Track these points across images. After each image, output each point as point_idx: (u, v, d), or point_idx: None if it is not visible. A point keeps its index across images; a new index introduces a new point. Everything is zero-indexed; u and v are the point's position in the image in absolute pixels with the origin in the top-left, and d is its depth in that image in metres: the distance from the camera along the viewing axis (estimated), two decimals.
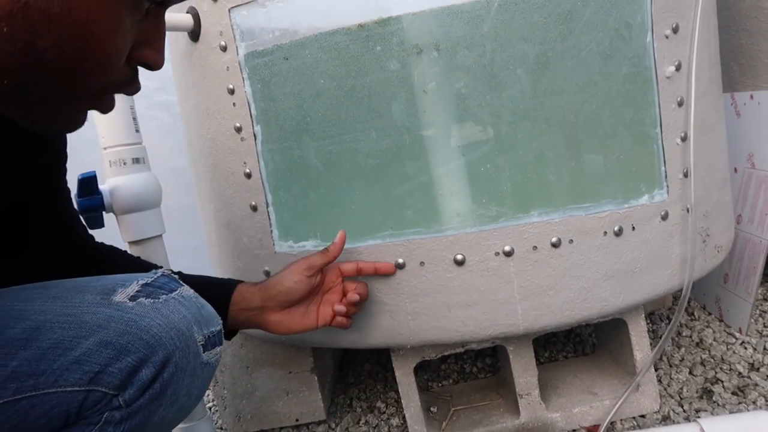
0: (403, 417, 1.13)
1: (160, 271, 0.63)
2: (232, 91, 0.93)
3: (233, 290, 0.83)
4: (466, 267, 0.85)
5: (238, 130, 0.94)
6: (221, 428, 1.26)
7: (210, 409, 1.38)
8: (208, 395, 1.45)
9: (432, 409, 1.10)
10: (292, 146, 0.90)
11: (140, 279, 0.59)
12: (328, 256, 0.84)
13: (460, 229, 0.84)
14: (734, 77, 1.38)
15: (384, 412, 1.18)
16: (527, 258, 0.84)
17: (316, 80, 0.86)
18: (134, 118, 0.94)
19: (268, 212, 0.95)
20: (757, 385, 1.05)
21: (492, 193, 0.84)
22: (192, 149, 1.12)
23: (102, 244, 0.86)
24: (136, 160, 0.92)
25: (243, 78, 0.91)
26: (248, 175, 0.95)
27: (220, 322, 0.65)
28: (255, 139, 0.93)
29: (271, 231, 0.95)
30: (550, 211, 0.84)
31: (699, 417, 0.90)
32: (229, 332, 0.86)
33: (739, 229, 1.25)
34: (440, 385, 1.24)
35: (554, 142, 0.84)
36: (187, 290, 0.62)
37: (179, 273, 0.86)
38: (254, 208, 0.96)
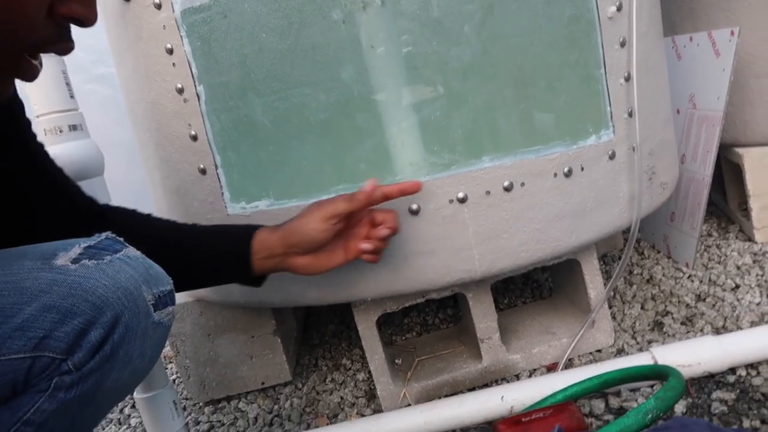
0: (369, 372, 1.14)
1: (104, 234, 0.61)
2: (170, 51, 0.89)
3: (252, 239, 0.80)
4: (422, 216, 0.85)
5: (180, 91, 0.91)
6: (186, 398, 1.25)
7: (174, 381, 1.36)
8: (171, 367, 1.43)
9: (397, 361, 1.12)
10: (237, 105, 0.88)
11: (82, 242, 0.57)
12: (354, 203, 0.77)
13: (413, 179, 0.84)
14: (674, 21, 1.40)
15: (350, 369, 1.20)
16: (481, 203, 0.85)
17: (257, 35, 0.83)
18: (68, 84, 0.89)
19: (217, 174, 0.92)
20: (703, 314, 1.10)
21: (443, 140, 0.84)
22: (133, 116, 1.08)
23: (117, 209, 0.83)
24: (73, 127, 0.88)
25: (181, 36, 0.88)
26: (194, 138, 0.92)
27: (170, 281, 0.63)
28: (198, 100, 0.90)
29: (222, 193, 0.93)
30: (502, 155, 0.85)
31: (651, 347, 0.94)
32: (258, 278, 0.84)
33: (683, 169, 1.29)
34: (404, 338, 1.25)
35: (502, 87, 0.84)
36: (132, 251, 0.60)
37: (194, 225, 0.85)
38: (203, 171, 0.93)
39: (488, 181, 0.85)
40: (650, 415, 0.66)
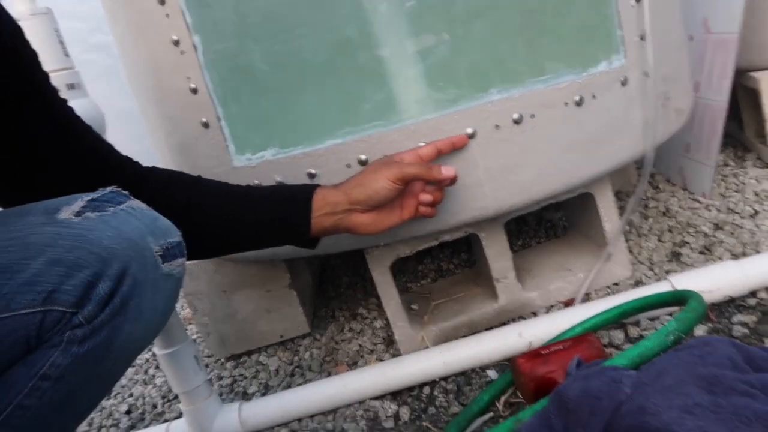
0: (386, 319, 1.15)
1: (108, 189, 0.60)
2: (162, 2, 0.86)
3: (312, 196, 0.77)
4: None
5: (176, 43, 0.88)
6: (208, 356, 1.26)
7: (195, 340, 1.38)
8: (192, 327, 1.45)
9: (413, 306, 1.12)
10: (235, 53, 0.85)
11: (85, 196, 0.56)
12: (426, 171, 0.77)
13: (419, 117, 0.82)
14: None
15: (366, 318, 1.20)
16: (490, 138, 0.83)
17: None
18: (61, 42, 0.87)
19: (220, 127, 0.91)
20: (722, 242, 1.08)
21: (448, 75, 0.81)
22: (132, 75, 1.06)
23: (162, 171, 0.80)
24: (71, 86, 0.86)
25: None
26: (194, 91, 0.90)
27: (179, 233, 0.62)
28: (196, 51, 0.87)
29: (227, 146, 0.92)
30: (509, 87, 0.82)
31: (669, 276, 0.93)
32: (314, 240, 0.82)
33: (698, 97, 1.26)
34: (419, 284, 1.25)
35: (508, 14, 0.81)
36: (137, 203, 0.59)
37: (248, 186, 0.83)
38: (206, 125, 0.92)
39: (497, 114, 0.82)
40: (672, 337, 0.65)
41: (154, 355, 1.35)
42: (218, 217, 0.77)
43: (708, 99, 1.22)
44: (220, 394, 1.12)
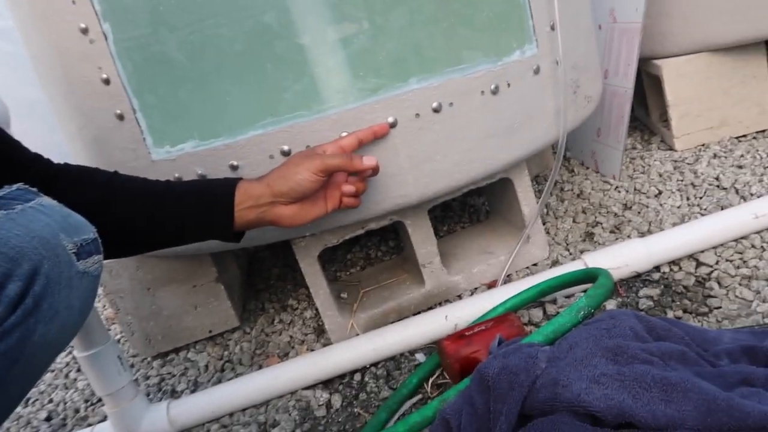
0: (316, 309, 1.15)
1: (15, 186, 0.57)
2: None
3: (234, 190, 0.77)
4: None
5: (85, 31, 0.84)
6: (134, 356, 1.23)
7: (119, 340, 1.34)
8: (115, 327, 1.40)
9: (342, 295, 1.13)
10: (149, 41, 0.83)
11: None
12: (347, 163, 0.78)
13: (341, 107, 0.83)
14: None
15: (297, 308, 1.20)
16: (411, 126, 0.85)
17: None
18: None
19: (136, 119, 0.88)
20: (630, 221, 1.16)
21: (369, 64, 0.82)
22: (38, 65, 1.00)
23: (75, 168, 0.76)
24: None
25: None
26: (107, 81, 0.86)
27: (93, 230, 0.60)
28: (106, 39, 0.84)
29: (144, 139, 0.89)
30: (428, 76, 0.84)
31: (582, 255, 0.98)
32: (237, 234, 0.81)
33: (606, 84, 1.33)
34: (348, 273, 1.26)
35: (423, 4, 0.82)
36: (47, 199, 0.56)
37: (167, 181, 0.80)
38: (120, 117, 0.88)
39: (417, 103, 0.84)
40: (582, 312, 0.69)
41: (74, 358, 1.30)
42: (135, 215, 0.75)
43: (615, 86, 1.29)
44: (148, 394, 1.09)
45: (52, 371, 1.28)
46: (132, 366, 1.20)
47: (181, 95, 0.85)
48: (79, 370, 1.26)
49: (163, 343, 1.17)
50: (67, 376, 1.26)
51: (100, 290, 0.69)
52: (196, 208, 0.76)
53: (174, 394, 1.07)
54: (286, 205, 0.78)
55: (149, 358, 1.20)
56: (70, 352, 1.32)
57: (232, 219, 0.77)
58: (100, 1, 0.82)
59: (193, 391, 1.06)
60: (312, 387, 0.96)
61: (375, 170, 0.82)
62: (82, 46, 0.85)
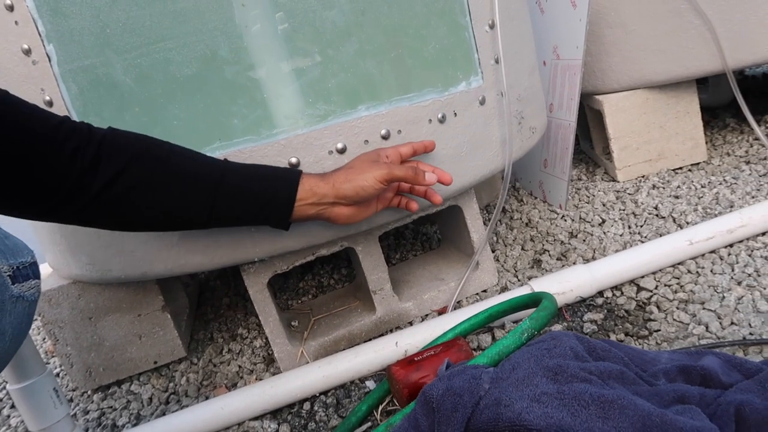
0: (266, 337, 1.14)
1: None
2: (10, 8, 0.81)
3: (297, 185, 0.77)
4: (302, 169, 0.84)
5: (27, 52, 0.83)
6: (73, 390, 1.17)
7: (58, 374, 1.28)
8: (54, 361, 1.34)
9: (293, 323, 1.12)
10: (95, 64, 0.82)
11: None
12: (413, 176, 0.81)
13: (290, 132, 0.83)
14: None
15: (246, 338, 1.18)
16: (360, 153, 0.86)
17: None
18: None
19: None
20: (575, 248, 1.19)
21: (318, 92, 0.83)
22: None
23: (124, 134, 0.73)
24: None
25: None
26: (49, 103, 0.85)
27: (32, 253, 0.59)
28: (50, 61, 0.83)
29: None
30: (377, 104, 0.86)
31: (530, 281, 1.00)
32: (289, 222, 0.81)
33: (552, 117, 1.38)
34: (300, 301, 1.25)
35: (372, 36, 0.84)
36: None
37: (225, 160, 0.78)
38: None
39: (366, 130, 0.86)
40: (526, 334, 0.71)
41: (7, 393, 1.23)
42: (191, 203, 0.74)
43: (560, 119, 1.34)
44: (86, 430, 1.04)
45: None
46: (70, 400, 1.14)
47: (127, 119, 0.84)
48: (12, 407, 1.19)
49: (104, 376, 1.12)
50: None
51: (38, 321, 0.65)
52: (256, 201, 0.76)
53: (114, 429, 1.03)
54: (346, 206, 0.81)
55: (89, 392, 1.14)
56: (3, 388, 1.26)
57: (291, 213, 0.78)
58: (45, 23, 0.81)
59: (135, 425, 1.02)
60: (260, 417, 0.94)
61: (444, 182, 0.85)
62: (24, 67, 0.84)
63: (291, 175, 0.79)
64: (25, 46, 0.82)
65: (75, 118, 0.85)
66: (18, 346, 0.60)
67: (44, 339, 1.47)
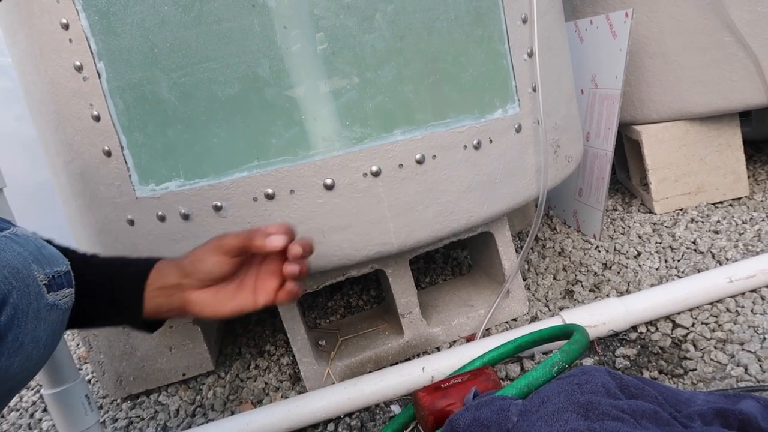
0: (293, 355, 1.14)
1: None
2: (66, 26, 0.85)
3: (151, 267, 0.69)
4: (337, 191, 0.85)
5: (79, 69, 0.86)
6: (103, 397, 1.19)
7: (90, 381, 1.30)
8: (86, 367, 1.37)
9: (321, 342, 1.12)
10: (141, 82, 0.85)
11: None
12: (243, 240, 0.67)
13: (326, 153, 0.84)
14: (576, 6, 1.47)
15: (274, 354, 1.18)
16: (394, 176, 0.86)
17: (159, 7, 0.80)
18: None
19: (123, 156, 0.89)
20: (609, 280, 1.17)
21: (355, 114, 0.84)
22: (30, 99, 1.02)
23: None
24: None
25: (77, 10, 0.83)
26: (97, 118, 0.88)
27: (67, 262, 0.60)
28: (99, 78, 0.86)
29: (130, 176, 0.90)
30: (413, 129, 0.87)
31: (561, 312, 0.99)
32: (153, 323, 0.73)
33: (588, 146, 1.36)
34: (328, 321, 1.25)
35: (410, 61, 0.85)
36: (22, 229, 0.56)
37: (94, 255, 0.73)
38: (108, 153, 0.89)
39: (400, 154, 0.86)
40: (557, 367, 0.69)
41: (41, 397, 1.26)
42: None
43: (597, 148, 1.32)
44: None
45: (17, 410, 1.24)
46: (100, 407, 1.16)
47: (169, 135, 0.86)
48: (45, 410, 1.22)
49: (134, 385, 1.14)
50: (32, 416, 1.22)
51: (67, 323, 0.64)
52: (107, 284, 0.69)
53: None
54: (196, 289, 0.69)
55: (119, 400, 1.16)
56: (37, 392, 1.29)
57: (142, 301, 0.68)
58: (97, 42, 0.84)
59: None
60: None
61: (306, 252, 0.70)
62: (75, 83, 0.87)
63: (146, 261, 0.71)
64: (78, 63, 0.86)
65: (119, 132, 0.88)
66: (50, 353, 0.61)
67: (78, 345, 1.50)
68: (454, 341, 1.06)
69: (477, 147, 0.90)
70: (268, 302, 0.70)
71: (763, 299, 0.99)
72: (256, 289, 0.71)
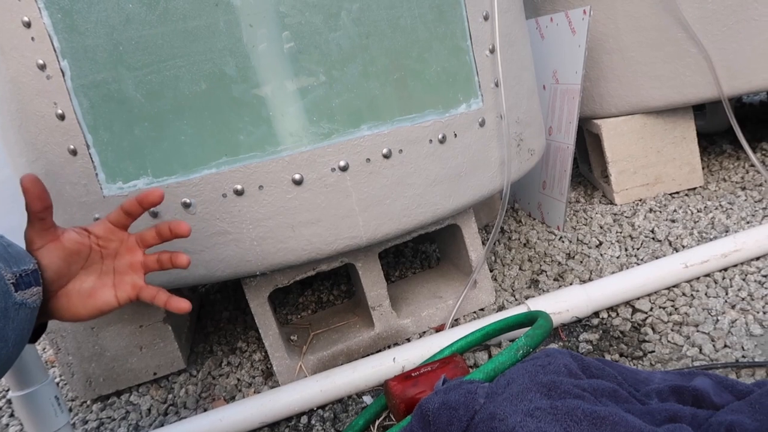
0: (265, 351, 1.15)
1: None
2: (28, 24, 0.84)
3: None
4: (305, 185, 0.87)
5: (42, 67, 0.85)
6: (72, 399, 1.18)
7: (58, 384, 1.28)
8: (54, 370, 1.35)
9: (292, 337, 1.13)
10: (107, 80, 0.84)
11: None
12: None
13: (294, 149, 0.85)
14: (537, 3, 1.51)
15: (246, 351, 1.19)
16: (362, 170, 0.88)
17: (123, 5, 0.80)
18: None
19: (89, 154, 0.88)
20: (572, 269, 1.21)
21: (322, 111, 0.86)
22: None
23: None
24: None
25: (39, 8, 0.83)
26: (61, 117, 0.87)
27: (34, 260, 0.60)
28: (63, 76, 0.85)
29: (96, 174, 0.89)
30: (379, 124, 0.88)
31: (526, 300, 1.02)
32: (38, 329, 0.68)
33: (551, 140, 1.40)
34: (299, 316, 1.26)
35: (375, 58, 0.87)
36: None
37: None
38: (73, 152, 0.89)
39: (368, 148, 0.88)
40: (521, 351, 0.72)
41: (8, 402, 1.24)
42: None
43: (559, 142, 1.36)
44: None
45: None
46: (70, 410, 1.15)
47: (136, 133, 0.86)
48: (12, 415, 1.20)
49: (104, 386, 1.13)
50: None
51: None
52: None
53: None
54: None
55: (89, 402, 1.15)
56: (4, 395, 1.26)
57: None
58: (60, 40, 0.84)
59: None
60: (258, 430, 0.94)
61: (177, 232, 0.68)
62: (38, 82, 0.87)
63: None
64: (41, 62, 0.85)
65: (85, 131, 0.87)
66: (19, 353, 0.61)
67: (44, 349, 1.48)
68: (424, 332, 1.09)
69: (442, 141, 0.93)
70: (130, 299, 0.69)
71: (716, 283, 1.04)
72: (116, 288, 0.69)
